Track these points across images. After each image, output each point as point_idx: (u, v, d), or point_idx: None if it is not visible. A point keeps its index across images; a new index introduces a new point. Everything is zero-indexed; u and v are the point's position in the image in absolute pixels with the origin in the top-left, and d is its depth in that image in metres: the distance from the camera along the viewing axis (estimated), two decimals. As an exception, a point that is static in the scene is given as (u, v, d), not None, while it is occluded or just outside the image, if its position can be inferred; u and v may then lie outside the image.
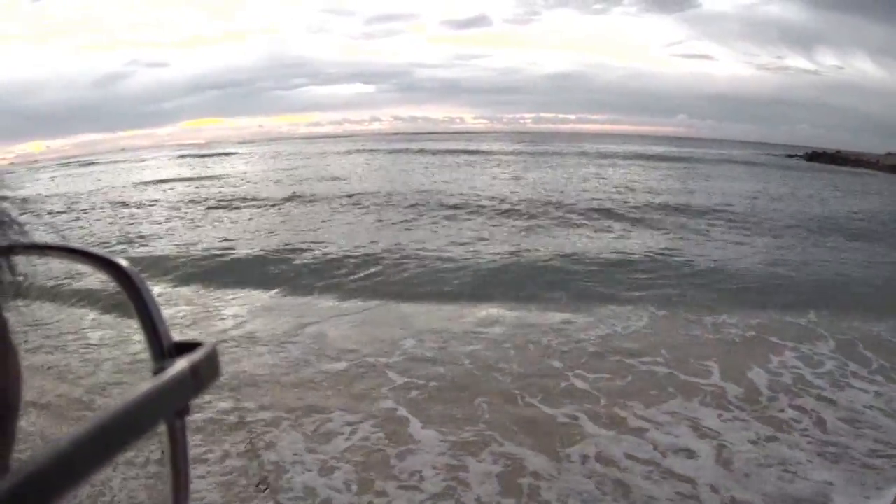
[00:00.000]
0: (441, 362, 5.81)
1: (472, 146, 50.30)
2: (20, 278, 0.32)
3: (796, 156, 64.09)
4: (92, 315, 6.39)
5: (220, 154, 50.58)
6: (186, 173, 28.67)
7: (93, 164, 49.81)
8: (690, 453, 4.34)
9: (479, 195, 17.89)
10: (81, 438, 0.21)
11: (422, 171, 26.57)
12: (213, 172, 30.17)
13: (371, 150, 45.15)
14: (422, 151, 42.54)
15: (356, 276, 9.15)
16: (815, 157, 60.80)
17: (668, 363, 5.87)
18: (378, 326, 6.98)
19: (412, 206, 16.15)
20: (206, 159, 43.89)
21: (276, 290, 8.63)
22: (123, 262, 0.35)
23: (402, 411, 4.89)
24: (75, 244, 0.36)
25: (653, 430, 4.64)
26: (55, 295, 4.86)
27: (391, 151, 43.70)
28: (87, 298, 5.81)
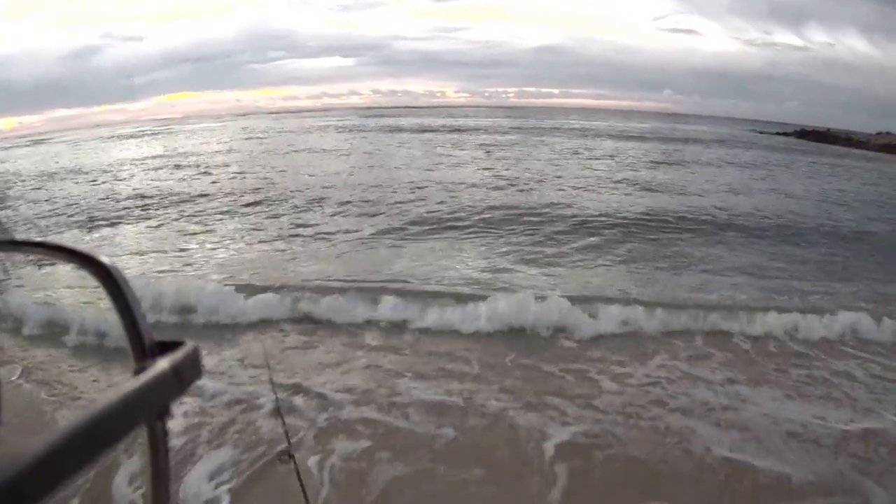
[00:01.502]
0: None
1: (455, 122, 47.66)
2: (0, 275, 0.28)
3: (785, 133, 62.61)
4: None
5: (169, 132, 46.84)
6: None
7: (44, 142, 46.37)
8: None
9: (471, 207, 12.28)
10: (60, 441, 0.21)
11: (398, 156, 23.85)
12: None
13: (346, 129, 42.15)
14: (398, 130, 40.00)
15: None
16: (805, 135, 59.49)
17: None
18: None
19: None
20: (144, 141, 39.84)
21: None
22: (105, 259, 0.34)
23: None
24: (55, 241, 0.37)
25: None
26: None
27: (366, 130, 40.89)
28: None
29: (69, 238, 10.79)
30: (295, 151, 25.60)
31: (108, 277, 0.34)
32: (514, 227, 10.61)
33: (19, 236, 0.35)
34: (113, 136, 42.07)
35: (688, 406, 4.67)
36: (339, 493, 3.62)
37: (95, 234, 11.02)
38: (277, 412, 3.24)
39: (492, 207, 12.05)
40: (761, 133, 64.93)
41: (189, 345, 0.32)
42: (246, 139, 34.96)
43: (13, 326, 5.42)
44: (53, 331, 5.43)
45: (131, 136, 41.31)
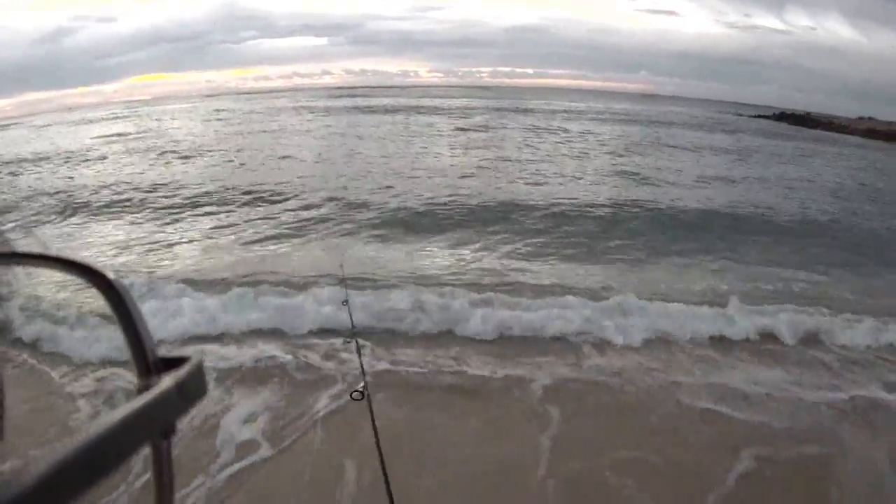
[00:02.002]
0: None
1: (427, 103, 45.20)
2: (2, 288, 0.31)
3: (765, 116, 61.40)
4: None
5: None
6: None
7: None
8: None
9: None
10: (61, 463, 0.20)
11: (366, 138, 21.33)
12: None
13: (313, 111, 39.24)
14: (369, 110, 37.47)
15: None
16: (784, 118, 58.42)
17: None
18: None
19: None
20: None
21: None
22: (109, 273, 0.33)
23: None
24: (57, 253, 0.36)
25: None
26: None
27: (333, 111, 38.10)
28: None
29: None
30: (252, 133, 23.91)
31: (113, 291, 0.33)
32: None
33: (21, 248, 0.27)
34: (82, 120, 38.67)
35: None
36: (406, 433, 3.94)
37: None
38: (357, 352, 2.91)
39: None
40: (740, 116, 63.66)
41: (194, 360, 0.30)
42: (207, 121, 32.88)
43: (16, 337, 5.03)
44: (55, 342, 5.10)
45: (100, 120, 37.87)
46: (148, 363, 0.31)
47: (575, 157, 18.34)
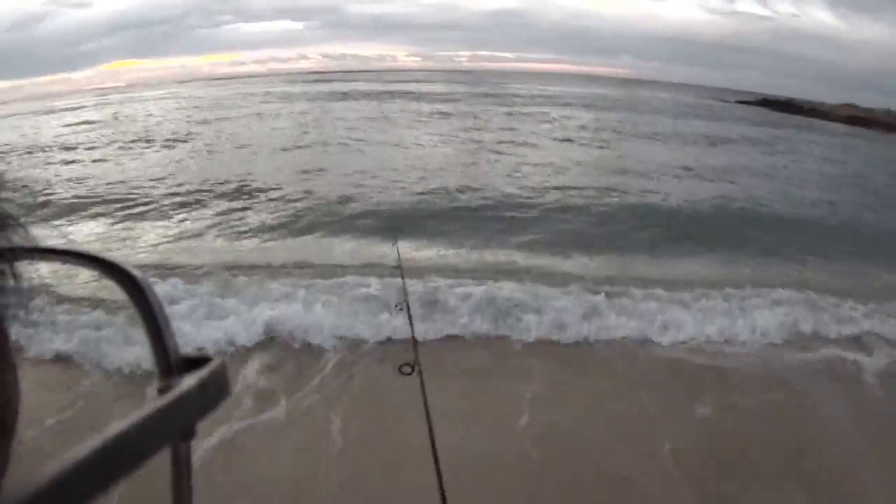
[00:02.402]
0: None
1: (404, 87, 43.75)
2: (23, 284, 0.31)
3: (747, 102, 61.16)
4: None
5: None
6: None
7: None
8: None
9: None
10: (81, 462, 0.20)
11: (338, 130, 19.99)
12: None
13: (289, 97, 37.42)
14: (344, 96, 35.78)
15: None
16: (767, 104, 58.27)
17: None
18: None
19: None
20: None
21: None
22: (133, 269, 0.33)
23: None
24: (80, 247, 0.35)
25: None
26: None
27: (308, 97, 36.42)
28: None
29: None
30: (222, 121, 22.34)
31: (137, 289, 0.32)
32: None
33: (44, 243, 0.33)
34: (46, 111, 36.10)
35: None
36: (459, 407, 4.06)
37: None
38: (408, 322, 2.86)
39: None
40: (724, 102, 63.34)
41: (217, 361, 0.30)
42: (172, 111, 30.72)
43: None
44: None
45: (63, 110, 35.20)
46: (170, 363, 0.30)
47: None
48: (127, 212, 9.27)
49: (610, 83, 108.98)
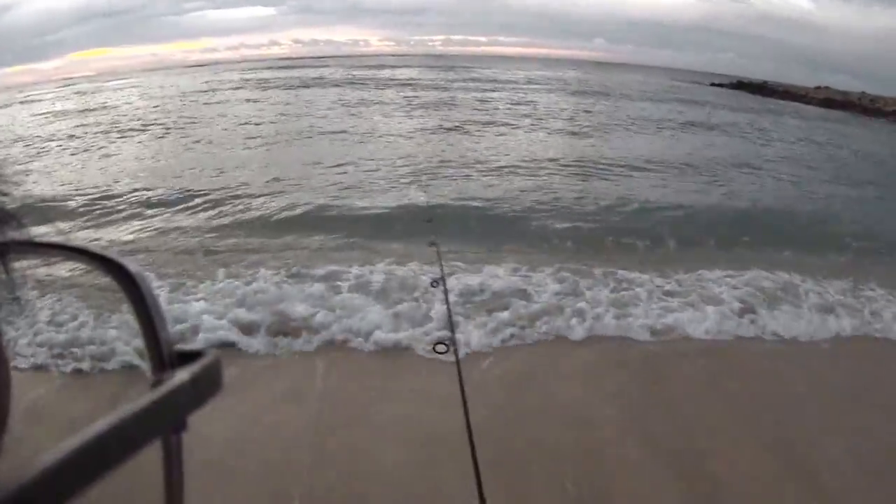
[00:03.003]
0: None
1: (379, 74, 42.38)
2: (15, 278, 0.32)
3: (721, 85, 61.26)
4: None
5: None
6: None
7: None
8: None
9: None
10: (72, 454, 0.20)
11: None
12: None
13: (256, 86, 35.71)
14: (320, 83, 34.19)
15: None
16: (741, 86, 58.45)
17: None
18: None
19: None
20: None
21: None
22: (126, 261, 0.33)
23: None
24: (74, 242, 0.35)
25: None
26: None
27: (279, 84, 34.66)
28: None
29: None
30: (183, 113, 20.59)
31: (131, 283, 0.32)
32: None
33: (38, 237, 0.33)
34: (13, 101, 33.83)
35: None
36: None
37: None
38: (445, 301, 2.82)
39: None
40: (697, 84, 63.35)
41: (210, 356, 0.30)
42: (140, 98, 29.26)
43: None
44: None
45: (22, 102, 33.00)
46: (163, 357, 0.31)
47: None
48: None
49: (584, 66, 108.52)
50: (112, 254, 0.33)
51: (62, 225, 7.91)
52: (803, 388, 4.35)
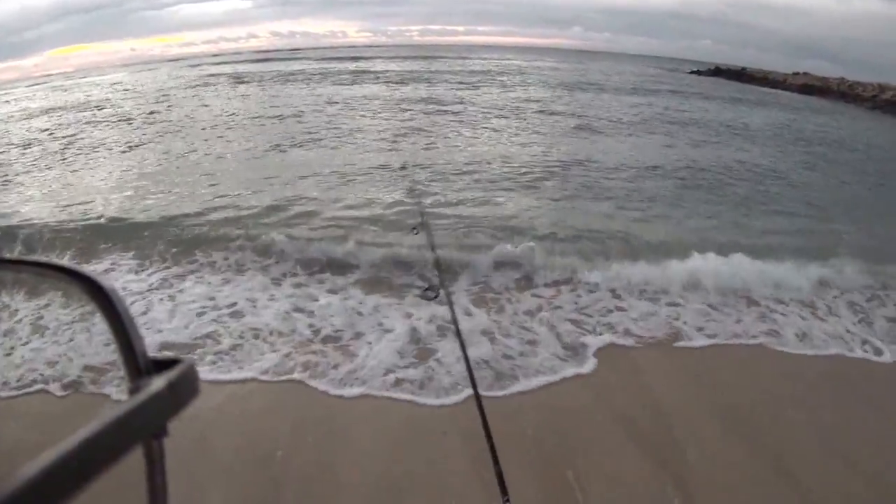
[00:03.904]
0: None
1: (357, 66, 41.25)
2: None
3: (699, 72, 61.28)
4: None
5: None
6: None
7: None
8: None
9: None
10: (53, 463, 0.20)
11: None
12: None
13: (232, 82, 34.38)
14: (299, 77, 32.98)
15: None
16: (720, 73, 58.57)
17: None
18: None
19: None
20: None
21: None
22: (97, 277, 0.33)
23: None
24: (43, 258, 0.35)
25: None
26: None
27: (257, 79, 33.40)
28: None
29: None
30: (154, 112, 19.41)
31: (102, 295, 0.32)
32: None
33: (4, 254, 0.34)
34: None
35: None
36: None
37: None
38: (430, 246, 2.88)
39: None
40: (677, 72, 63.30)
41: (185, 362, 0.30)
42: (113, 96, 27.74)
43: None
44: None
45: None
46: (139, 366, 0.31)
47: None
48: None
49: (562, 55, 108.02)
50: (85, 270, 0.33)
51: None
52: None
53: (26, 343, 4.33)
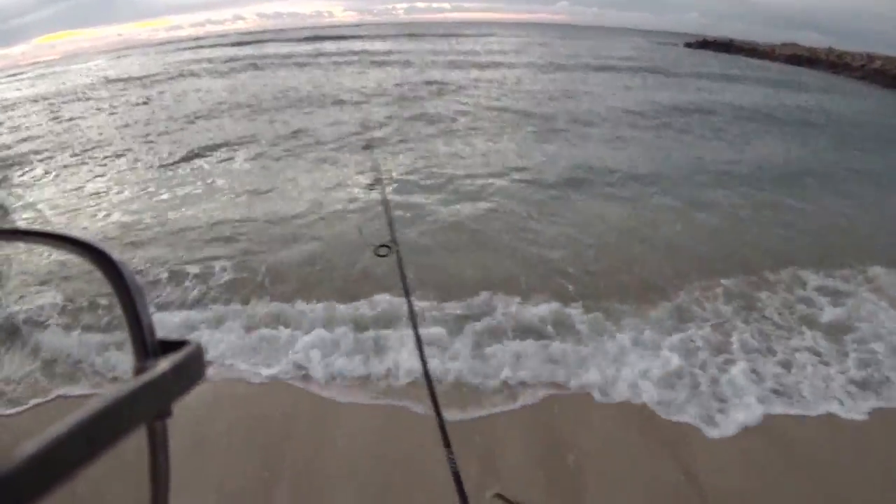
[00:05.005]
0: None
1: (348, 46, 40.73)
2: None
3: (688, 45, 61.11)
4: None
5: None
6: None
7: None
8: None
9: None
10: (56, 440, 0.20)
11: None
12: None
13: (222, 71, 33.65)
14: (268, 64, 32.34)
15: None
16: (707, 45, 58.40)
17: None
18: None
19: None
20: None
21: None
22: (110, 251, 0.33)
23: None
24: (57, 230, 0.35)
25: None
26: None
27: (240, 66, 32.81)
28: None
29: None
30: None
31: (115, 271, 0.32)
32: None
33: (22, 225, 0.34)
34: None
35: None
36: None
37: None
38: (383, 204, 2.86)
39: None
40: (662, 44, 63.06)
41: (193, 344, 0.30)
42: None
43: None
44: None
45: None
46: (146, 346, 0.31)
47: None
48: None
49: (551, 30, 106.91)
50: (96, 242, 0.33)
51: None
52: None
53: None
